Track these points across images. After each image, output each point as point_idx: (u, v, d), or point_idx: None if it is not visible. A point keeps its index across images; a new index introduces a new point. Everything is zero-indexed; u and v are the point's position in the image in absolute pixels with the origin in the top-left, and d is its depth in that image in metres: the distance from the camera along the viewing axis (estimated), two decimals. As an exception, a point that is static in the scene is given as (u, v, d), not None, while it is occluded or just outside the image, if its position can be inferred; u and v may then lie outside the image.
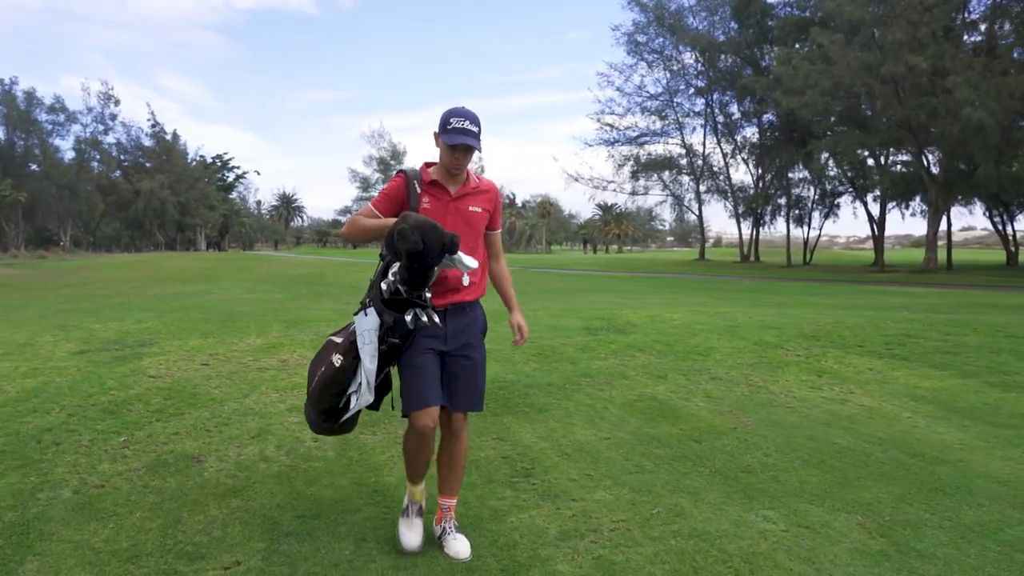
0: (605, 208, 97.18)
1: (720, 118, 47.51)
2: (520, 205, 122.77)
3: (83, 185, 56.57)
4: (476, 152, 2.79)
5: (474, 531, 3.04)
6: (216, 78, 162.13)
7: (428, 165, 2.91)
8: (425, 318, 2.69)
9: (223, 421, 4.59)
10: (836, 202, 44.78)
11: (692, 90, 47.27)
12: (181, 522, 3.12)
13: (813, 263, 43.38)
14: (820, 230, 46.41)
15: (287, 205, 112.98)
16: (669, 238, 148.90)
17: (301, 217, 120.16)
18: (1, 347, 6.69)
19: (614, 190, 51.87)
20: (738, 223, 48.87)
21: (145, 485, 3.55)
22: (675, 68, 46.61)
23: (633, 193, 51.63)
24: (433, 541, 2.94)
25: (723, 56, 43.71)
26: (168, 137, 71.71)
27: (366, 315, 2.75)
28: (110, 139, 63.70)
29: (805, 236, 45.54)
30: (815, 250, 46.39)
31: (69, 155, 59.23)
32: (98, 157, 60.66)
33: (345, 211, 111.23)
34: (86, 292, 15.80)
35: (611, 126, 48.50)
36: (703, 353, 6.95)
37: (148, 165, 68.32)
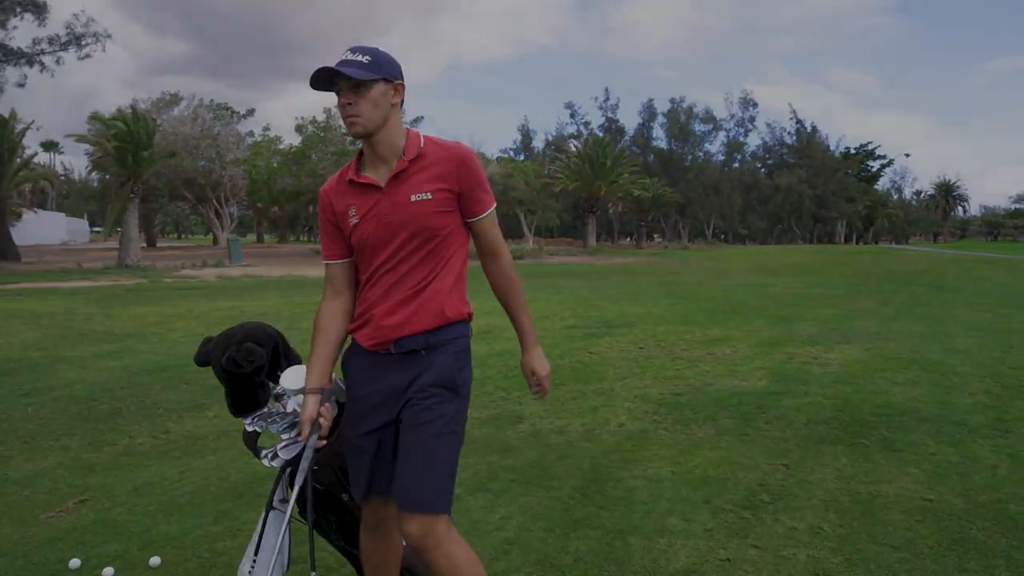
0: None
1: None
2: None
3: (725, 184, 63.52)
4: (384, 88, 1.80)
5: (641, 534, 3.02)
6: (883, 62, 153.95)
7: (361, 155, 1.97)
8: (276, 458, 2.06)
9: (574, 396, 5.32)
10: None
11: None
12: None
13: None
14: None
15: (945, 194, 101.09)
16: None
17: (964, 206, 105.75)
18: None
19: None
20: None
21: (472, 427, 4.61)
22: None
23: None
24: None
25: None
26: (808, 131, 73.62)
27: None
28: (755, 140, 69.61)
29: None
30: None
31: (719, 158, 67.65)
32: (739, 157, 67.26)
33: (1020, 198, 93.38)
34: (666, 279, 18.33)
35: None
36: None
37: (790, 161, 71.66)
